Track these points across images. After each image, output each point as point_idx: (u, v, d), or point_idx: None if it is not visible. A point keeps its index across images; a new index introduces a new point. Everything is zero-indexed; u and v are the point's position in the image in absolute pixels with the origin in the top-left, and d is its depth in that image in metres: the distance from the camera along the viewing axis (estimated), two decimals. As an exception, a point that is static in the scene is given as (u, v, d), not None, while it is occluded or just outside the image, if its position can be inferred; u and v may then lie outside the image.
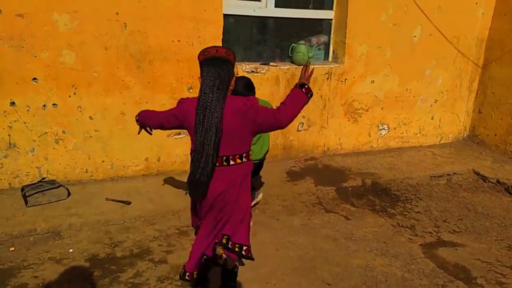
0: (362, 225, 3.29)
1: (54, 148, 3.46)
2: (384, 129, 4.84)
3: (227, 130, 1.98)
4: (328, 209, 3.55)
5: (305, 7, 4.35)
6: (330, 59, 4.54)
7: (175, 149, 3.87)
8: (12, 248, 2.74)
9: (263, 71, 4.00)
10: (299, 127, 4.30)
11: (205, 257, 2.12)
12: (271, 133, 4.23)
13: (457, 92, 5.10)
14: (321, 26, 4.50)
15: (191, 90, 3.74)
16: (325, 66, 4.30)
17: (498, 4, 4.82)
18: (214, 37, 3.71)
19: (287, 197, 3.59)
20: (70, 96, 3.40)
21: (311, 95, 2.15)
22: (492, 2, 4.85)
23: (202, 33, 3.66)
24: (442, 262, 2.81)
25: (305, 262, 2.71)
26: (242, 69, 3.92)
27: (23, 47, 3.16)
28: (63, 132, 3.46)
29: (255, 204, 3.38)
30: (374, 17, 4.33)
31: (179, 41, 3.60)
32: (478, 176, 4.30)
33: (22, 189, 3.27)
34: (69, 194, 3.31)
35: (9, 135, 3.31)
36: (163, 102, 3.66)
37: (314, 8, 4.41)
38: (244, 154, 2.08)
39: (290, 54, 4.27)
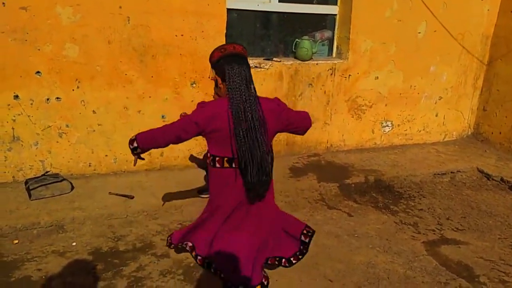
0: (364, 222, 3.29)
1: (57, 142, 3.47)
2: (387, 126, 4.82)
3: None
4: (331, 205, 3.55)
5: (309, 2, 4.33)
6: (334, 54, 4.52)
7: (178, 144, 3.87)
8: (16, 241, 2.75)
9: (267, 67, 3.98)
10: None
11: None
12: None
13: (461, 89, 5.07)
14: (325, 22, 4.47)
15: (194, 85, 3.74)
16: (328, 61, 4.28)
17: (504, 1, 4.77)
18: (217, 32, 3.70)
19: (289, 193, 3.59)
20: (73, 90, 3.40)
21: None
22: (498, -2, 4.81)
23: (205, 28, 3.64)
24: (444, 259, 2.81)
25: (307, 258, 2.70)
26: (245, 64, 3.90)
27: (26, 40, 3.16)
28: (67, 125, 3.46)
29: None
30: (378, 12, 4.30)
31: (182, 35, 3.59)
32: (482, 174, 4.28)
33: (26, 182, 3.28)
34: (72, 187, 3.32)
35: (13, 128, 3.31)
36: (166, 97, 3.66)
37: (318, 3, 4.38)
38: (271, 154, 2.08)
39: (293, 50, 4.25)
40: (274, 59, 4.11)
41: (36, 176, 3.37)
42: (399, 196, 3.81)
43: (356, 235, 3.07)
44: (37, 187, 3.20)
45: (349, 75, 4.38)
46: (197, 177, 3.69)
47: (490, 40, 4.95)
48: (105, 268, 2.53)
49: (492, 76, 4.99)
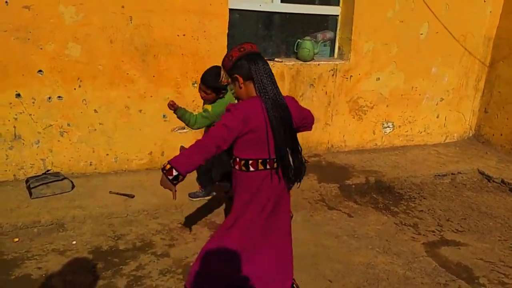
0: (364, 223, 3.29)
1: (58, 141, 3.48)
2: (388, 127, 4.81)
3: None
4: (331, 206, 3.55)
5: (311, 2, 4.33)
6: (335, 55, 4.52)
7: (179, 143, 3.87)
8: (16, 239, 2.76)
9: (268, 67, 3.98)
10: (303, 124, 4.29)
11: None
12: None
13: (463, 91, 5.06)
14: (327, 22, 4.47)
15: (195, 85, 3.74)
16: (330, 62, 4.28)
17: (507, 3, 4.77)
18: (219, 32, 3.71)
19: (290, 193, 3.58)
20: (75, 89, 3.41)
21: None
22: (501, 0, 4.80)
23: (207, 28, 3.65)
24: (444, 261, 2.81)
25: (307, 258, 2.71)
26: (247, 64, 3.90)
27: (29, 39, 3.17)
28: (68, 124, 3.47)
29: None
30: (380, 13, 4.30)
31: (184, 35, 3.60)
32: (482, 175, 4.27)
33: (27, 180, 3.29)
34: (73, 186, 3.33)
35: (14, 126, 3.32)
36: (167, 96, 3.66)
37: (320, 3, 4.38)
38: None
39: (295, 50, 4.26)
40: (276, 59, 4.12)
41: (37, 174, 3.38)
42: (399, 197, 3.81)
43: (356, 236, 3.07)
44: (38, 185, 3.21)
45: (351, 76, 4.38)
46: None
47: (492, 42, 4.95)
48: (105, 266, 2.54)
49: (494, 78, 4.99)
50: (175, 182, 1.88)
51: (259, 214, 2.01)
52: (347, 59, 4.35)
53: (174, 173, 1.84)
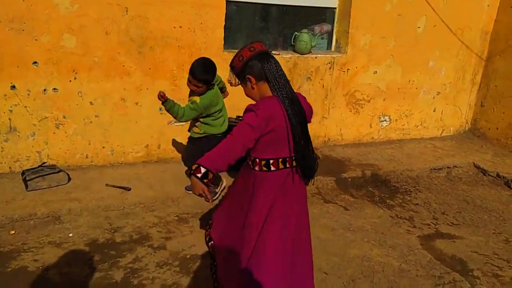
0: (360, 216, 3.30)
1: (54, 133, 3.46)
2: (385, 120, 4.82)
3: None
4: (327, 199, 3.56)
5: (309, -5, 4.31)
6: (333, 48, 4.51)
7: (176, 136, 3.87)
8: (13, 232, 2.76)
9: (265, 60, 3.96)
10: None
11: None
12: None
13: (460, 85, 5.07)
14: (324, 15, 4.45)
15: (192, 77, 3.72)
16: (327, 55, 4.27)
17: (504, -4, 4.77)
18: (216, 24, 3.68)
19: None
20: (70, 81, 3.38)
21: None
22: (498, -6, 4.80)
23: (204, 19, 3.62)
24: (439, 254, 2.83)
25: (303, 251, 2.72)
26: (244, 57, 3.88)
27: (23, 30, 3.14)
28: (64, 117, 3.45)
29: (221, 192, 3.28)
30: (378, 6, 4.28)
31: (180, 27, 3.57)
32: (478, 169, 4.30)
33: (23, 173, 3.28)
34: (69, 179, 3.32)
35: (9, 119, 3.30)
36: (164, 89, 3.63)
37: (318, -4, 4.36)
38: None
39: (292, 43, 4.24)
40: (273, 52, 4.04)
41: (33, 167, 3.37)
42: (395, 191, 3.83)
43: (351, 229, 3.09)
44: (34, 178, 3.20)
45: (348, 69, 4.37)
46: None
47: (489, 36, 4.95)
48: (102, 259, 2.54)
49: (491, 72, 5.00)
50: (205, 180, 1.77)
51: (288, 213, 2.00)
52: (344, 52, 4.34)
53: (202, 170, 1.76)
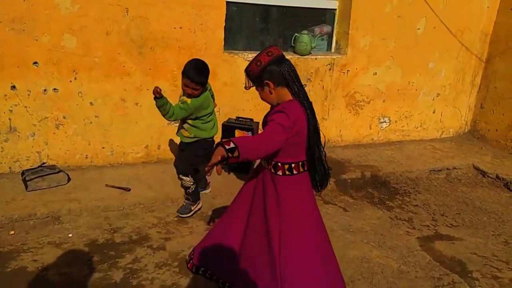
0: (360, 217, 3.30)
1: (54, 133, 3.46)
2: (385, 122, 4.83)
3: None
4: (327, 200, 3.56)
5: (309, -4, 4.32)
6: (332, 49, 4.51)
7: (176, 137, 3.87)
8: (12, 232, 2.76)
9: (265, 61, 3.97)
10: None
11: None
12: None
13: (459, 86, 5.07)
14: (324, 16, 4.45)
15: (192, 78, 3.73)
16: (327, 56, 4.27)
17: (504, -2, 4.78)
18: (216, 25, 3.69)
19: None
20: (70, 81, 3.39)
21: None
22: (498, -5, 4.80)
23: (204, 20, 3.63)
24: (438, 255, 2.83)
25: (303, 252, 2.72)
26: (243, 58, 3.89)
27: (24, 30, 3.14)
28: (64, 117, 3.45)
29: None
30: (378, 8, 4.29)
31: (181, 27, 3.57)
32: (477, 171, 4.30)
33: (22, 173, 3.28)
34: (69, 179, 3.32)
35: (9, 119, 3.30)
36: (164, 90, 3.63)
37: (318, -3, 4.37)
38: None
39: (292, 44, 4.24)
40: (273, 53, 4.09)
41: (33, 167, 3.37)
42: (394, 192, 3.84)
43: (351, 230, 3.09)
44: (34, 178, 3.20)
45: (348, 70, 4.38)
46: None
47: (489, 38, 4.95)
48: (101, 259, 2.54)
49: (490, 74, 5.00)
50: (229, 154, 1.66)
51: (317, 213, 2.08)
52: (344, 53, 4.34)
53: (232, 145, 1.67)
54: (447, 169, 4.28)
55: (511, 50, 4.72)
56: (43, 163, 3.44)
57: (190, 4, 3.54)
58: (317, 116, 2.01)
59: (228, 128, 3.67)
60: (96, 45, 3.37)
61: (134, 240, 2.77)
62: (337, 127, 4.57)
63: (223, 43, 3.79)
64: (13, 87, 3.24)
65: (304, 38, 4.12)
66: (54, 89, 3.36)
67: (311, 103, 1.95)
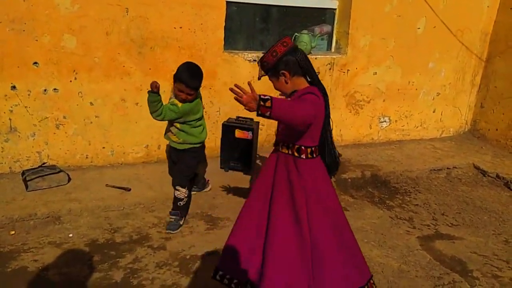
0: (360, 217, 3.31)
1: (54, 133, 3.46)
2: (385, 121, 4.83)
3: None
4: (327, 199, 3.56)
5: (309, -4, 4.32)
6: (333, 49, 4.51)
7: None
8: (13, 232, 2.76)
9: (265, 60, 3.97)
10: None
11: None
12: (274, 122, 4.22)
13: (459, 86, 5.07)
14: (324, 16, 4.45)
15: (192, 78, 3.73)
16: (327, 56, 4.27)
17: (504, -3, 4.78)
18: (216, 25, 3.69)
19: (286, 187, 3.60)
20: (71, 81, 3.39)
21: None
22: (498, -5, 4.80)
23: (204, 20, 3.63)
24: (439, 254, 2.83)
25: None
26: (244, 58, 3.89)
27: (24, 30, 3.14)
28: (64, 117, 3.45)
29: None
30: (378, 7, 4.29)
31: (181, 27, 3.57)
32: (477, 170, 4.30)
33: (23, 173, 3.28)
34: (69, 179, 3.32)
35: (10, 119, 3.30)
36: (164, 90, 3.62)
37: (318, -3, 4.37)
38: None
39: (292, 44, 4.24)
40: (273, 53, 4.09)
41: (33, 167, 3.37)
42: (395, 191, 3.84)
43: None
44: (34, 178, 3.20)
45: (348, 70, 4.38)
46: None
47: (489, 37, 4.95)
48: (102, 259, 2.55)
49: (490, 73, 5.00)
50: (261, 103, 1.71)
51: (335, 195, 2.15)
52: (344, 53, 4.34)
53: (267, 96, 1.72)
54: (447, 168, 4.28)
55: (511, 49, 4.72)
56: (44, 163, 3.45)
57: (190, 4, 3.54)
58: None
59: (228, 128, 3.67)
60: (96, 45, 3.37)
61: (134, 240, 2.77)
62: (337, 127, 4.57)
63: (223, 43, 3.79)
64: (13, 87, 3.24)
65: (304, 37, 4.12)
66: (54, 89, 3.36)
67: (325, 89, 2.03)
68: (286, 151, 2.03)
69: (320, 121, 1.97)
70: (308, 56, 2.06)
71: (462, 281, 2.54)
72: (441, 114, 5.13)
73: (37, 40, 3.20)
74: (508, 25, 4.73)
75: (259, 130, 4.04)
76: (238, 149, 3.68)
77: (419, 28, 4.56)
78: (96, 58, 3.40)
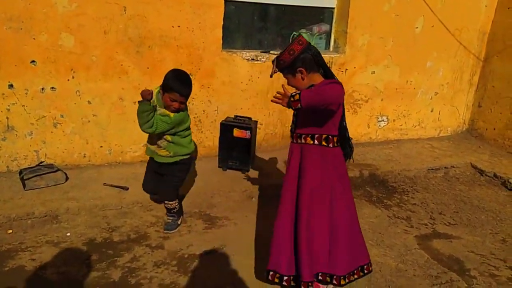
0: (358, 216, 3.27)
1: (52, 132, 3.46)
2: (383, 120, 4.83)
3: None
4: (325, 199, 3.56)
5: (308, -5, 4.32)
6: (331, 48, 4.51)
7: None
8: (10, 231, 2.75)
9: (263, 59, 3.97)
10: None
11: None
12: (271, 121, 4.23)
13: (457, 85, 5.08)
14: (323, 15, 4.45)
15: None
16: (326, 55, 4.26)
17: (502, -3, 4.79)
18: (214, 24, 3.68)
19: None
20: (68, 80, 3.38)
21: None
22: (496, -6, 4.81)
23: (202, 19, 3.62)
24: (436, 253, 2.84)
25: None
26: (242, 56, 3.89)
27: (21, 28, 3.13)
28: (61, 116, 3.44)
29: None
30: (376, 6, 4.29)
31: (179, 26, 3.57)
32: (475, 169, 4.31)
33: (20, 172, 3.27)
34: (67, 178, 3.32)
35: (7, 118, 3.29)
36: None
37: (317, -4, 4.37)
38: None
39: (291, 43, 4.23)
40: (271, 51, 4.10)
41: (31, 166, 3.36)
42: (393, 191, 3.84)
43: (349, 229, 3.09)
44: (32, 177, 3.19)
45: (346, 69, 4.38)
46: (191, 169, 3.70)
47: (487, 37, 4.96)
48: (99, 258, 2.54)
49: (488, 73, 5.01)
50: (291, 99, 1.91)
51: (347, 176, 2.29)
52: (342, 52, 4.35)
53: (298, 97, 1.89)
54: (445, 167, 4.29)
55: (508, 49, 4.73)
56: (41, 162, 3.44)
57: (188, 2, 3.53)
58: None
59: (227, 127, 3.67)
60: (93, 44, 3.36)
61: (132, 239, 2.77)
62: (336, 126, 4.56)
63: (221, 41, 3.79)
64: (11, 85, 3.23)
65: (303, 36, 4.11)
66: (52, 88, 3.35)
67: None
68: (312, 142, 2.12)
69: (341, 109, 2.10)
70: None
71: (460, 280, 2.55)
72: (439, 114, 5.14)
73: (34, 39, 3.18)
74: (506, 24, 4.75)
75: (257, 129, 4.04)
76: (236, 148, 3.68)
77: (417, 28, 4.56)
78: (94, 57, 3.39)
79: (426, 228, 3.20)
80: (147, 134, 2.72)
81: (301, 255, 2.08)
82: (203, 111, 3.90)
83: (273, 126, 4.25)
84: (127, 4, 3.35)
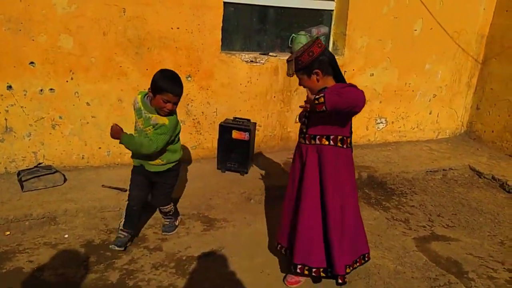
0: (356, 218, 3.30)
1: (50, 134, 3.45)
2: (381, 122, 4.84)
3: None
4: (324, 201, 3.56)
5: (307, -3, 4.32)
6: (330, 50, 4.51)
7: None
8: (8, 232, 2.74)
9: (262, 61, 3.98)
10: (297, 119, 4.30)
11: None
12: (270, 123, 4.23)
13: (456, 88, 5.10)
14: (322, 17, 4.46)
15: (189, 79, 3.73)
16: (324, 57, 4.27)
17: (500, 0, 4.79)
18: (213, 25, 3.68)
19: (283, 187, 3.59)
20: (67, 81, 3.38)
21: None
22: (494, -3, 4.83)
23: (201, 21, 3.62)
24: (434, 256, 2.84)
25: (299, 252, 2.71)
26: (241, 58, 3.89)
27: (20, 30, 3.13)
28: (60, 117, 3.44)
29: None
30: (375, 9, 4.30)
31: (178, 28, 3.57)
32: (473, 172, 4.32)
33: (18, 173, 3.26)
34: (65, 180, 3.31)
35: (5, 119, 3.29)
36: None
37: (316, -2, 4.38)
38: None
39: (290, 45, 4.25)
40: (270, 53, 4.11)
41: (29, 167, 3.36)
42: (391, 193, 3.85)
43: (348, 231, 3.09)
44: (30, 178, 3.19)
45: (345, 71, 4.39)
46: (190, 171, 3.70)
47: (485, 39, 4.98)
48: (97, 260, 2.54)
49: (486, 75, 5.03)
50: (315, 102, 1.95)
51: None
52: (341, 54, 4.35)
53: (322, 100, 1.91)
54: (443, 170, 4.30)
55: (507, 51, 4.74)
56: (39, 164, 3.43)
57: (187, 4, 3.54)
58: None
59: (225, 129, 3.67)
60: (93, 45, 3.36)
61: (130, 241, 2.76)
62: (334, 128, 4.57)
63: (220, 43, 3.79)
64: (9, 87, 3.23)
65: (302, 39, 4.12)
66: (51, 89, 3.35)
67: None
68: (327, 143, 2.16)
69: (352, 114, 2.11)
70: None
71: (458, 283, 2.55)
72: (437, 116, 5.15)
73: (33, 40, 3.18)
74: (504, 27, 4.76)
75: (256, 131, 4.04)
76: (235, 150, 3.68)
77: (415, 30, 4.57)
78: (93, 58, 3.39)
79: (425, 230, 3.20)
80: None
81: (335, 249, 2.20)
82: (202, 112, 3.90)
83: (272, 128, 4.25)
84: (126, 6, 3.36)
